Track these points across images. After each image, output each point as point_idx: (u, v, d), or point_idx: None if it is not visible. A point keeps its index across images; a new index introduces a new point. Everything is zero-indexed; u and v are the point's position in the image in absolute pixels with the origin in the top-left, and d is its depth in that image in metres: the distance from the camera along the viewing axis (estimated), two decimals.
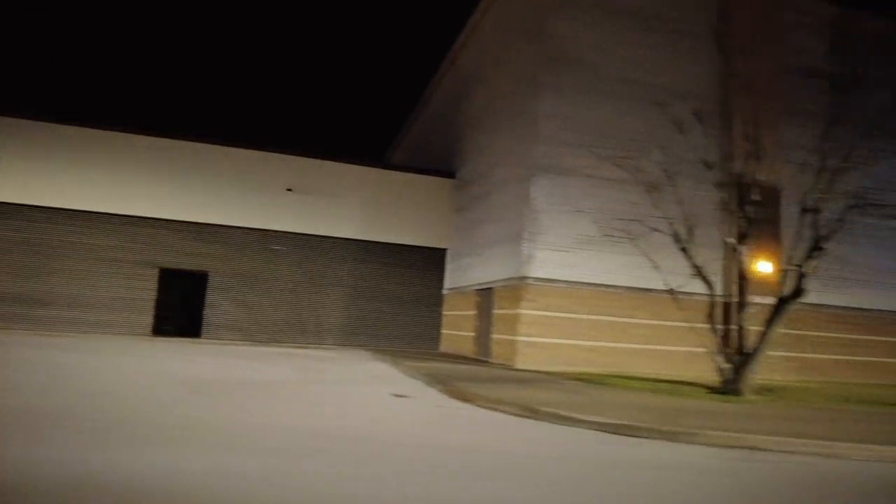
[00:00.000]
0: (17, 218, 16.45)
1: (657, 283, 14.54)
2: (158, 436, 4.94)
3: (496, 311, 14.96)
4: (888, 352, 16.92)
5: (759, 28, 16.01)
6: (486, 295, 15.88)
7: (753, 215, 10.38)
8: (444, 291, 19.40)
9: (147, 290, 17.11)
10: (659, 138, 14.78)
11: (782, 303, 9.96)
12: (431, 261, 19.65)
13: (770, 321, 9.92)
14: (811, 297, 16.09)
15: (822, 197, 10.11)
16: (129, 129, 17.46)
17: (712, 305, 10.39)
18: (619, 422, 6.30)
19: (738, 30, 16.08)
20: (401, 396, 8.19)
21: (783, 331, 15.38)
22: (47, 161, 16.71)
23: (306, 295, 18.35)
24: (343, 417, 6.43)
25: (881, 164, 16.50)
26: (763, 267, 15.01)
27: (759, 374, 14.69)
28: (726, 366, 9.72)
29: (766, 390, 10.41)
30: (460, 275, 18.19)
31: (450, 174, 19.95)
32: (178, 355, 12.31)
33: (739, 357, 9.68)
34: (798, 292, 9.92)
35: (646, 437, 6.03)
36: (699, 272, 10.44)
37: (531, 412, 6.98)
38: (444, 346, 18.83)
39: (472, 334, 16.47)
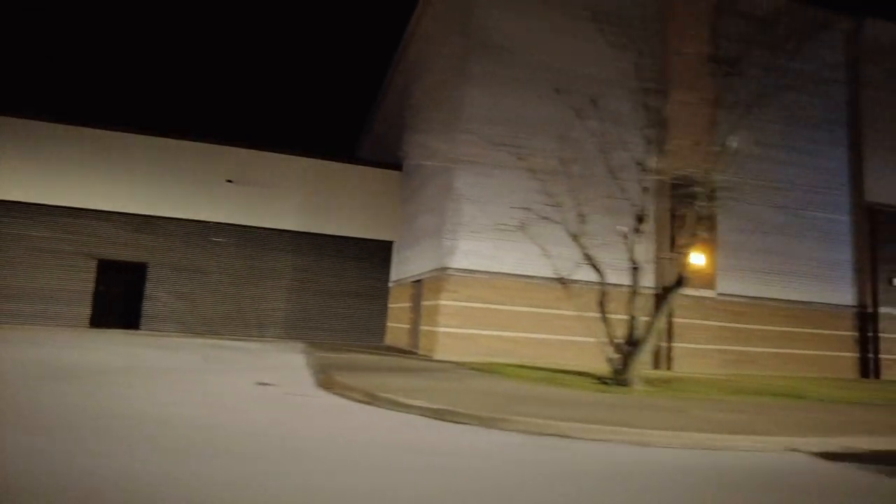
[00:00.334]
0: None
1: (580, 275, 14.41)
2: None
3: (424, 303, 14.85)
4: (831, 345, 16.69)
5: (692, 18, 15.77)
6: (418, 287, 15.77)
7: (644, 205, 10.08)
8: (390, 284, 19.29)
9: (85, 282, 17.07)
10: (587, 130, 14.61)
11: (665, 292, 9.73)
12: (378, 253, 19.54)
13: (655, 311, 9.71)
14: (752, 291, 16.05)
15: (700, 185, 9.82)
16: (67, 120, 17.41)
17: (603, 294, 10.18)
18: (443, 407, 6.18)
19: (671, 20, 15.88)
20: (264, 385, 8.08)
21: (720, 324, 15.30)
22: None
23: (248, 287, 18.27)
24: (181, 405, 6.30)
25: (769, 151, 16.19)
26: (696, 259, 14.78)
27: (694, 366, 14.59)
28: (615, 356, 9.55)
29: (662, 381, 10.24)
30: (402, 267, 18.08)
31: (399, 167, 19.82)
32: (90, 344, 12.25)
33: (628, 347, 9.49)
34: (679, 281, 9.71)
35: (464, 423, 5.92)
36: (590, 261, 10.24)
37: (372, 398, 6.87)
38: (389, 340, 18.72)
39: (408, 326, 16.36)
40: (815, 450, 5.57)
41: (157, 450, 4.23)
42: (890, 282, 17.06)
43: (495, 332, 13.60)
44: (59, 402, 5.88)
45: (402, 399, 6.55)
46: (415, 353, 14.68)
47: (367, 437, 5.26)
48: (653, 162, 9.92)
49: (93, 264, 17.18)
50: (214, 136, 18.42)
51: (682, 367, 14.40)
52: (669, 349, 14.51)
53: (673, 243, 14.95)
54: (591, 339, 14.34)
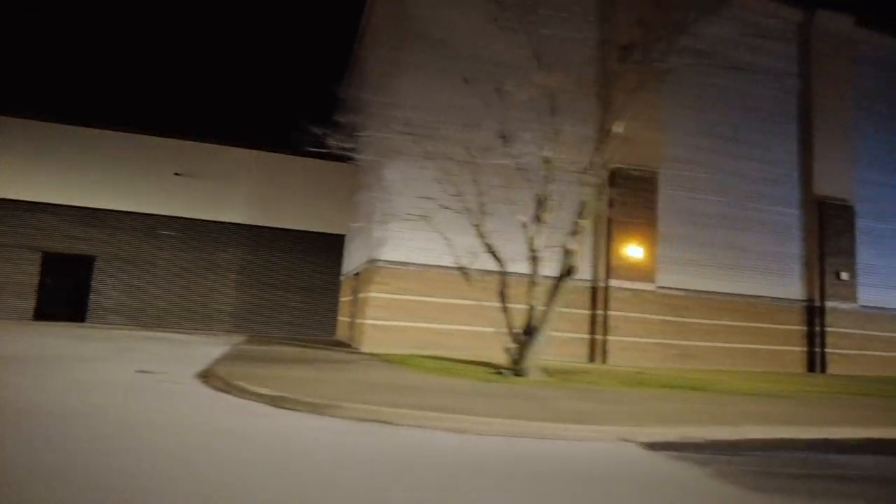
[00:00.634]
0: None
1: (513, 266, 14.32)
2: None
3: (359, 296, 14.79)
4: (778, 339, 16.58)
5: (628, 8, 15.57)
6: (357, 280, 15.71)
7: (544, 194, 9.94)
8: (341, 278, 19.23)
9: (29, 275, 17.05)
10: (522, 121, 14.50)
11: (558, 281, 9.64)
12: (330, 247, 19.48)
13: (550, 300, 9.61)
14: (695, 284, 15.92)
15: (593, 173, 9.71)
16: (11, 112, 17.38)
17: (503, 283, 10.09)
18: (281, 395, 6.13)
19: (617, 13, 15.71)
20: (144, 372, 8.03)
21: (661, 318, 15.18)
22: None
23: (197, 281, 18.24)
24: (41, 391, 6.24)
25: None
26: (633, 252, 14.69)
27: (630, 360, 14.46)
28: (512, 346, 9.46)
29: (566, 372, 10.15)
30: (348, 260, 18.03)
31: (350, 159, 19.72)
32: (13, 336, 12.22)
33: (524, 337, 9.40)
34: (569, 270, 9.61)
35: (297, 410, 5.86)
36: (490, 249, 10.13)
37: (228, 386, 6.83)
38: (339, 334, 18.67)
39: (349, 320, 16.31)
40: (648, 440, 5.47)
41: None
42: (837, 275, 16.93)
43: (427, 325, 13.52)
44: None
45: (249, 386, 6.49)
46: (350, 346, 14.63)
47: (185, 421, 5.20)
48: (550, 151, 9.75)
49: (37, 257, 17.16)
50: (163, 128, 18.37)
51: (618, 360, 14.30)
52: (605, 342, 14.40)
53: (609, 236, 14.86)
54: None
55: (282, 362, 9.88)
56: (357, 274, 15.68)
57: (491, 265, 13.98)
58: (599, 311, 14.63)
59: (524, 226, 9.91)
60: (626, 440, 5.43)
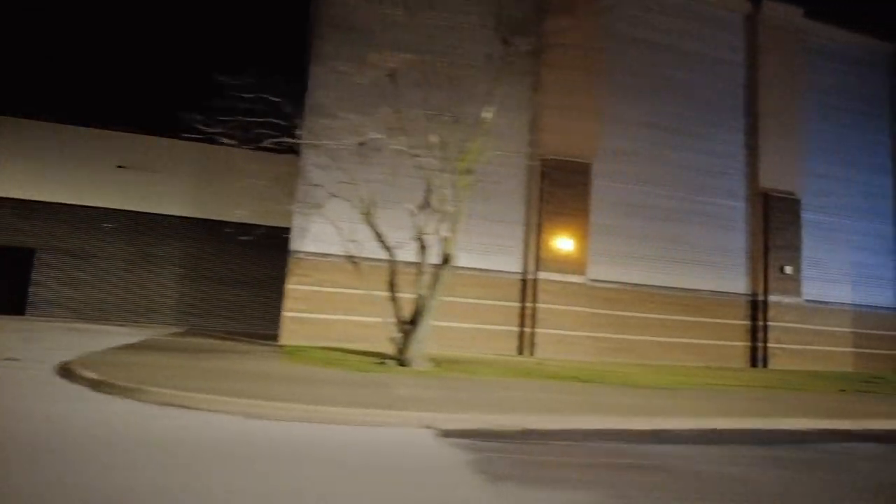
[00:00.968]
0: None
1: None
2: None
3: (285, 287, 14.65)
4: (721, 334, 16.39)
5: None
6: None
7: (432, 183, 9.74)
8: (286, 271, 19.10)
9: None
10: (447, 111, 14.34)
11: (438, 269, 9.49)
12: (277, 240, 19.32)
13: (431, 289, 9.46)
14: (633, 277, 15.74)
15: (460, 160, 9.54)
16: None
17: (392, 273, 9.94)
18: (100, 378, 6.04)
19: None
20: (10, 360, 7.94)
21: (592, 310, 15.02)
22: None
23: (139, 274, 18.15)
24: None
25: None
26: (563, 244, 14.53)
27: (559, 353, 14.26)
28: (398, 335, 9.32)
29: (454, 362, 9.99)
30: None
31: (297, 151, 19.59)
32: None
33: (408, 326, 9.26)
34: (446, 259, 9.45)
35: (110, 394, 5.78)
36: (380, 239, 9.97)
37: (67, 372, 6.73)
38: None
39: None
40: (450, 427, 5.30)
41: None
42: (781, 269, 16.72)
43: (349, 317, 13.38)
44: None
45: (82, 372, 6.40)
46: (273, 339, 14.50)
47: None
48: (435, 138, 9.58)
49: None
50: (105, 121, 18.28)
51: (546, 353, 14.14)
52: (533, 335, 14.25)
53: (539, 228, 14.70)
54: (455, 324, 14.19)
55: (174, 352, 9.77)
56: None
57: (414, 255, 13.91)
58: (529, 304, 14.47)
59: (412, 214, 9.74)
60: (428, 427, 5.29)
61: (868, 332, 18.25)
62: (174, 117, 11.16)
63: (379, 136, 9.62)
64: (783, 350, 16.44)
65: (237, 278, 18.67)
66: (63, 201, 17.74)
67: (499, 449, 4.71)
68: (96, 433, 4.38)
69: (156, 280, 18.26)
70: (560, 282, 14.53)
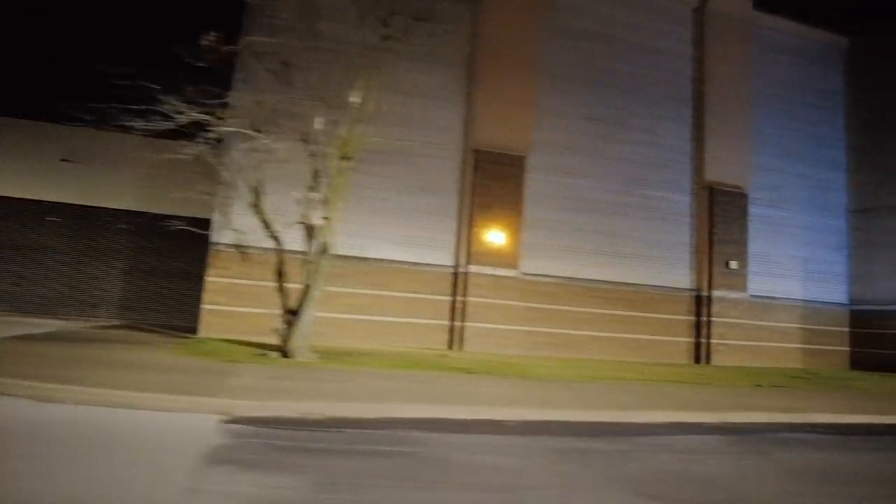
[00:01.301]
0: None
1: (374, 252, 14.05)
2: None
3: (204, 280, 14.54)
4: (664, 329, 16.17)
5: None
6: None
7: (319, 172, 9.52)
8: None
9: None
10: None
11: (316, 259, 9.32)
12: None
13: (311, 279, 9.30)
14: (570, 272, 15.54)
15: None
16: None
17: (279, 263, 9.78)
18: None
19: None
20: None
21: (526, 304, 14.82)
22: None
23: (83, 268, 18.05)
24: None
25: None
26: (494, 237, 14.35)
27: (490, 346, 14.04)
28: (282, 327, 9.17)
29: (342, 354, 9.81)
30: None
31: None
32: None
33: (291, 317, 9.11)
34: (322, 248, 9.28)
35: None
36: (267, 228, 9.81)
37: None
38: None
39: None
40: (243, 414, 5.20)
41: None
42: (726, 264, 16.49)
43: (267, 310, 13.15)
44: None
45: None
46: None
47: None
48: (320, 125, 9.41)
49: None
50: (48, 113, 18.17)
51: (476, 347, 13.95)
52: (462, 329, 14.07)
53: (470, 221, 14.51)
54: (388, 319, 14.02)
55: (68, 342, 9.64)
56: None
57: (356, 253, 13.74)
58: (459, 298, 14.29)
59: (297, 202, 9.56)
60: (225, 414, 5.16)
61: (818, 328, 18.00)
62: (108, 109, 10.92)
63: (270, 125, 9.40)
64: (727, 346, 16.20)
65: (180, 272, 18.54)
66: (6, 194, 17.66)
67: (269, 435, 4.58)
68: None
69: (100, 274, 18.17)
70: (491, 275, 14.34)
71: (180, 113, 9.22)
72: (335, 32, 10.09)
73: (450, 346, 14.21)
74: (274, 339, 11.95)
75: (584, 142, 16.03)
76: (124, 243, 18.35)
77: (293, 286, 9.84)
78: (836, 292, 18.48)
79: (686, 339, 16.40)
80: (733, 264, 16.49)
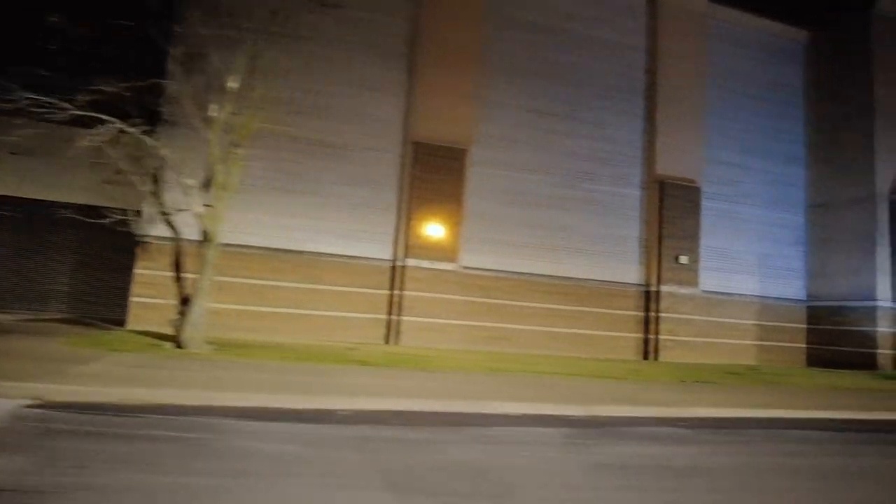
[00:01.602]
0: None
1: (310, 245, 13.90)
2: None
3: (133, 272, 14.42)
4: (611, 325, 15.97)
5: None
6: None
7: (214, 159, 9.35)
8: None
9: None
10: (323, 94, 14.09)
11: (202, 248, 9.16)
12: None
13: (201, 269, 9.14)
14: (514, 266, 15.34)
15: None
16: None
17: (176, 252, 9.63)
18: None
19: None
20: None
21: (465, 298, 14.65)
22: None
23: (32, 262, 17.97)
24: None
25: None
26: (433, 230, 14.17)
27: (427, 341, 13.84)
28: (175, 318, 9.03)
29: (240, 347, 9.64)
30: None
31: None
32: None
33: (184, 307, 8.96)
34: (206, 236, 9.12)
35: None
36: (166, 217, 9.66)
37: None
38: None
39: None
40: (57, 400, 5.05)
41: None
42: (676, 259, 16.26)
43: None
44: None
45: None
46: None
47: None
48: (215, 112, 9.24)
49: None
50: None
51: (413, 341, 13.78)
52: (399, 323, 13.90)
53: (408, 213, 14.33)
54: (318, 312, 13.86)
55: None
56: None
57: (288, 245, 13.61)
58: (397, 292, 14.13)
59: (191, 190, 9.39)
60: (36, 398, 5.02)
61: (774, 324, 17.78)
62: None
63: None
64: (676, 342, 15.98)
65: (128, 266, 18.41)
66: None
67: (58, 419, 4.53)
68: None
69: (50, 268, 18.07)
70: (429, 269, 14.17)
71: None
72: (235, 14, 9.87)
73: (386, 341, 14.06)
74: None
75: (529, 135, 15.83)
76: (73, 237, 18.25)
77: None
78: (793, 288, 18.25)
79: (635, 335, 16.19)
80: (683, 259, 16.26)
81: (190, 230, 9.98)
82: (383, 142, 14.60)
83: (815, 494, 3.99)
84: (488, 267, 15.03)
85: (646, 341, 16.11)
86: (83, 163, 18.28)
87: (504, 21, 15.87)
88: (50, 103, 8.88)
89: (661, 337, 15.90)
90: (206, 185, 9.31)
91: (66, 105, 8.81)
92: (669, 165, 16.67)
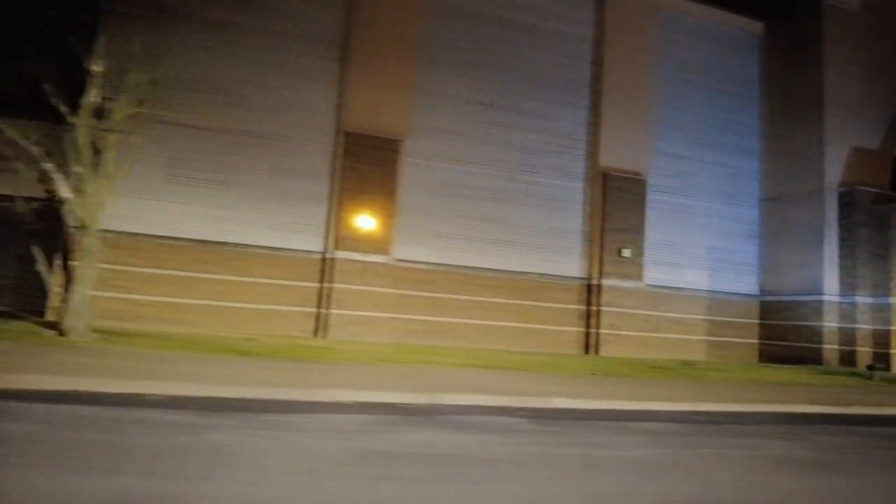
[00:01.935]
0: None
1: (238, 237, 13.79)
2: None
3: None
4: (552, 318, 15.80)
5: None
6: None
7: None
8: None
9: None
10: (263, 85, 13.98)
11: (79, 237, 9.03)
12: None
13: (80, 258, 9.02)
14: (450, 259, 15.19)
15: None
16: None
17: (64, 242, 9.51)
18: None
19: None
20: None
21: (399, 292, 14.51)
22: None
23: None
24: None
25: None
26: (364, 222, 14.03)
27: (359, 334, 13.69)
28: (59, 305, 8.92)
29: (127, 336, 9.52)
30: None
31: None
32: None
33: (66, 295, 8.86)
34: (80, 223, 8.99)
35: None
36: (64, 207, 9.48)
37: None
38: None
39: None
40: None
41: None
42: (619, 252, 16.06)
43: (123, 296, 12.97)
44: None
45: None
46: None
47: None
48: (96, 97, 9.10)
49: None
50: None
51: (342, 334, 13.64)
52: (327, 316, 13.77)
53: (339, 205, 14.19)
54: (241, 304, 13.72)
55: None
56: None
57: (214, 237, 13.45)
58: (327, 284, 13.99)
59: (54, 176, 9.18)
60: None
61: (726, 319, 17.56)
62: None
63: None
64: (618, 336, 15.78)
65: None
66: None
67: None
68: None
69: None
70: (360, 261, 14.02)
71: None
72: None
73: (315, 334, 13.93)
74: (115, 324, 11.66)
75: (469, 127, 15.65)
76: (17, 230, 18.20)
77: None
78: (747, 283, 18.02)
79: (576, 329, 16.01)
80: (626, 252, 16.05)
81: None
82: (315, 132, 14.46)
83: (555, 483, 3.83)
84: (424, 259, 14.88)
85: (587, 335, 15.92)
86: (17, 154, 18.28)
87: (446, 10, 15.69)
88: None
89: (602, 331, 15.70)
90: (74, 171, 9.09)
91: None
92: (614, 157, 16.46)
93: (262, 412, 5.21)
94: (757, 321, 17.90)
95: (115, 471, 3.33)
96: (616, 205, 16.24)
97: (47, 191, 9.41)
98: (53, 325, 9.74)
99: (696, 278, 17.33)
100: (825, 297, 16.13)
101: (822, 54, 17.10)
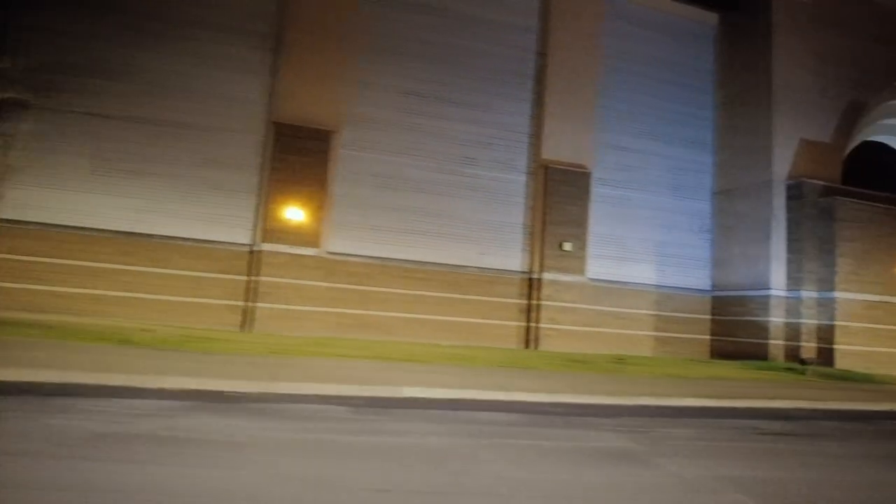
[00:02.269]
0: None
1: (162, 228, 13.70)
2: None
3: None
4: (490, 313, 15.63)
5: None
6: None
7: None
8: None
9: None
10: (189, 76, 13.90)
11: None
12: None
13: None
14: (384, 252, 15.04)
15: None
16: None
17: None
18: None
19: None
20: None
21: (329, 285, 14.38)
22: None
23: None
24: None
25: None
26: (292, 214, 13.90)
27: (287, 328, 13.53)
28: None
29: (27, 326, 9.44)
30: None
31: None
32: None
33: None
34: None
35: None
36: None
37: None
38: None
39: None
40: None
41: None
42: (560, 246, 15.85)
43: (45, 288, 12.90)
44: None
45: None
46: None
47: None
48: None
49: None
50: None
51: (269, 328, 13.53)
52: (254, 309, 13.66)
53: (267, 197, 14.07)
54: (164, 297, 13.62)
55: None
56: None
57: (134, 228, 13.35)
58: (253, 277, 13.88)
59: None
60: None
61: (676, 315, 17.33)
62: None
63: None
64: (558, 331, 15.59)
65: None
66: None
67: None
68: None
69: None
70: (288, 254, 13.91)
71: None
72: None
73: (242, 328, 13.82)
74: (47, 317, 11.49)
75: (407, 118, 15.49)
76: None
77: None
78: (698, 278, 17.77)
79: (517, 323, 15.83)
80: (567, 246, 15.84)
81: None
82: (245, 123, 14.35)
83: (285, 468, 3.68)
84: (358, 253, 14.75)
85: (528, 330, 15.73)
86: None
87: (384, 0, 15.52)
88: None
89: (542, 325, 15.51)
90: None
91: None
92: (557, 150, 16.25)
93: (51, 396, 5.09)
94: (709, 317, 17.65)
95: None
96: (558, 198, 16.03)
97: None
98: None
99: (643, 273, 17.10)
100: (772, 292, 15.86)
101: (772, 45, 16.80)
